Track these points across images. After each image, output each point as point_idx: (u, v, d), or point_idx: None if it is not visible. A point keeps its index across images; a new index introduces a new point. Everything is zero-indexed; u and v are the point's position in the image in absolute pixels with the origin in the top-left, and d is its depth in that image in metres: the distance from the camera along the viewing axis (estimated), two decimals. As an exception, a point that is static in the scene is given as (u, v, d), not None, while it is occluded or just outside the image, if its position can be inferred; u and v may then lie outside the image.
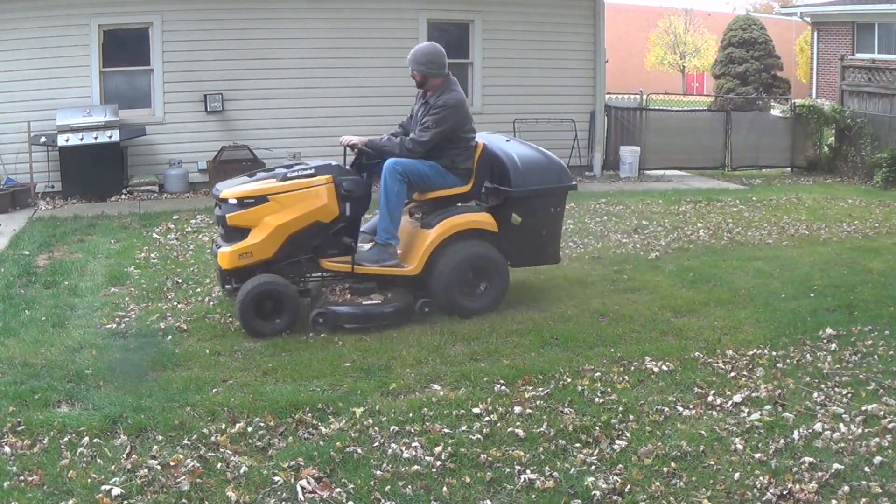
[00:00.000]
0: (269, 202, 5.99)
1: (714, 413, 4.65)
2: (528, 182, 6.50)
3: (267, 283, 5.88)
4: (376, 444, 4.23)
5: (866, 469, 3.97)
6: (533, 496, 3.76)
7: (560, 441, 4.27)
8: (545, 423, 4.45)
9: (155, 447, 4.14)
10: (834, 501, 3.70)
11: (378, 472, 3.92)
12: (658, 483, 3.84)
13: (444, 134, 6.28)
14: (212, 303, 6.72)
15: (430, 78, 6.41)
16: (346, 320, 5.98)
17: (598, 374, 5.21)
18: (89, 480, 3.78)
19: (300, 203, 6.03)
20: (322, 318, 5.93)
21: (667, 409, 4.67)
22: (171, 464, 3.94)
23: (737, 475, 3.91)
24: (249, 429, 4.36)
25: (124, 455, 4.04)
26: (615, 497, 3.74)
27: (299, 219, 6.02)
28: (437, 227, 6.30)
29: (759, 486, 3.81)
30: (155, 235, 9.28)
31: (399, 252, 6.37)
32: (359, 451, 4.12)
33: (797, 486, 3.78)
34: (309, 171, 6.17)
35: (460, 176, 6.44)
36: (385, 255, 6.24)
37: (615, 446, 4.22)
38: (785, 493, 3.73)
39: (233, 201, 6.03)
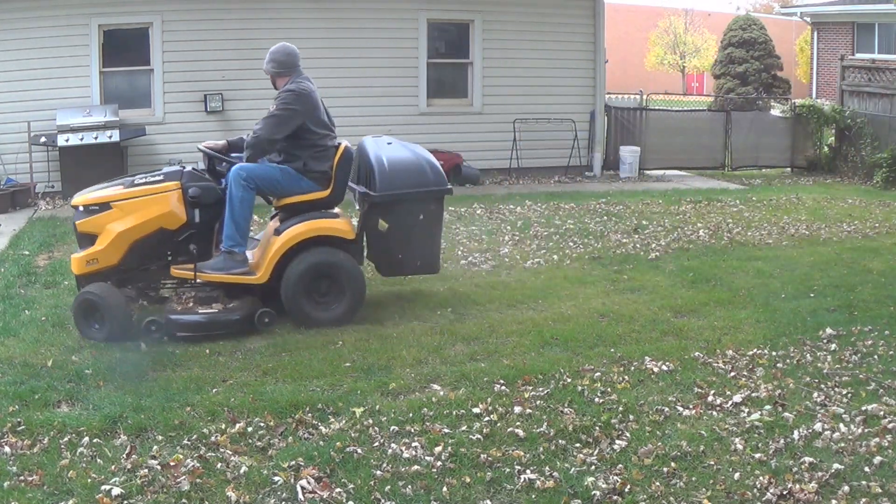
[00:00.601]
0: (112, 209, 5.92)
1: (714, 413, 4.64)
2: (394, 185, 6.21)
3: (88, 292, 5.77)
4: (376, 444, 4.23)
5: (866, 469, 3.97)
6: (533, 496, 3.76)
7: (560, 441, 4.27)
8: (545, 423, 4.45)
9: (155, 447, 4.14)
10: (834, 501, 3.70)
11: (378, 472, 3.92)
12: (658, 483, 3.84)
13: (286, 119, 6.07)
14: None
15: (277, 77, 6.31)
16: (178, 329, 5.79)
17: (598, 374, 5.21)
18: (89, 480, 3.78)
19: (142, 210, 5.92)
20: (154, 326, 5.78)
21: (667, 409, 4.67)
22: (171, 464, 3.94)
23: (737, 475, 3.91)
24: (249, 429, 4.36)
25: (124, 455, 4.04)
26: (615, 497, 3.74)
27: (142, 225, 5.91)
28: (284, 234, 6.11)
29: (759, 486, 3.81)
30: (155, 235, 9.26)
31: (252, 260, 6.24)
32: (359, 451, 4.12)
33: (797, 486, 3.78)
34: (157, 178, 6.07)
35: (317, 180, 6.23)
36: (231, 262, 6.04)
37: (615, 446, 4.21)
38: (785, 493, 3.73)
39: (80, 208, 6.00)
